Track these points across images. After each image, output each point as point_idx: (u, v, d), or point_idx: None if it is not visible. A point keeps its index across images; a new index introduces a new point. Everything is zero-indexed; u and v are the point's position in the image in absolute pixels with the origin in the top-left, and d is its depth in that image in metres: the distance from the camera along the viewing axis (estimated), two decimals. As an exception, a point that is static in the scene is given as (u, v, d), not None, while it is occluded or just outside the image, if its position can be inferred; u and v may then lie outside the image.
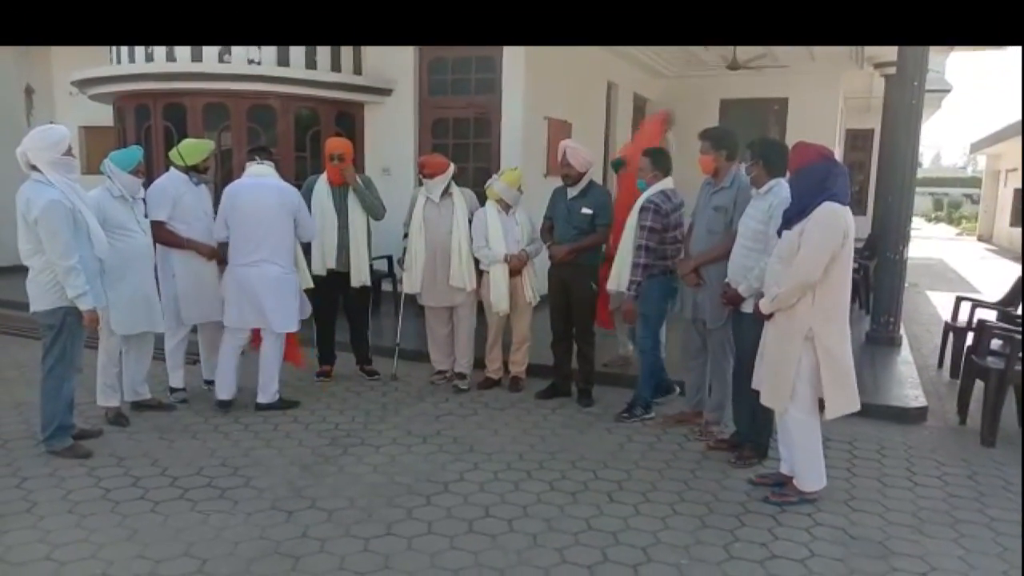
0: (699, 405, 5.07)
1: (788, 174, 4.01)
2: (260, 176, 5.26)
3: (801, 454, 3.97)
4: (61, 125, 4.45)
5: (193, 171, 5.29)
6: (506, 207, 5.62)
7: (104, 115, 9.40)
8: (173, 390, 5.44)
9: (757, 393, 4.10)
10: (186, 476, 4.19)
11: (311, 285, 5.51)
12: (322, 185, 5.79)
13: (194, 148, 5.36)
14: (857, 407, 3.91)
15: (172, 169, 5.31)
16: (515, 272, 5.62)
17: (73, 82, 9.03)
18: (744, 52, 10.26)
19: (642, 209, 4.93)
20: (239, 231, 5.13)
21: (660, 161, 5.07)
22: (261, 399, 5.26)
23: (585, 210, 5.32)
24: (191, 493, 3.98)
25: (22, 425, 4.89)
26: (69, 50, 10.65)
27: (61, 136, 4.27)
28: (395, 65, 8.67)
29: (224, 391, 5.24)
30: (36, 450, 4.46)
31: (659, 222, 4.90)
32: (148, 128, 8.46)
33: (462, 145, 8.59)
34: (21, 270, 4.39)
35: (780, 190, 4.10)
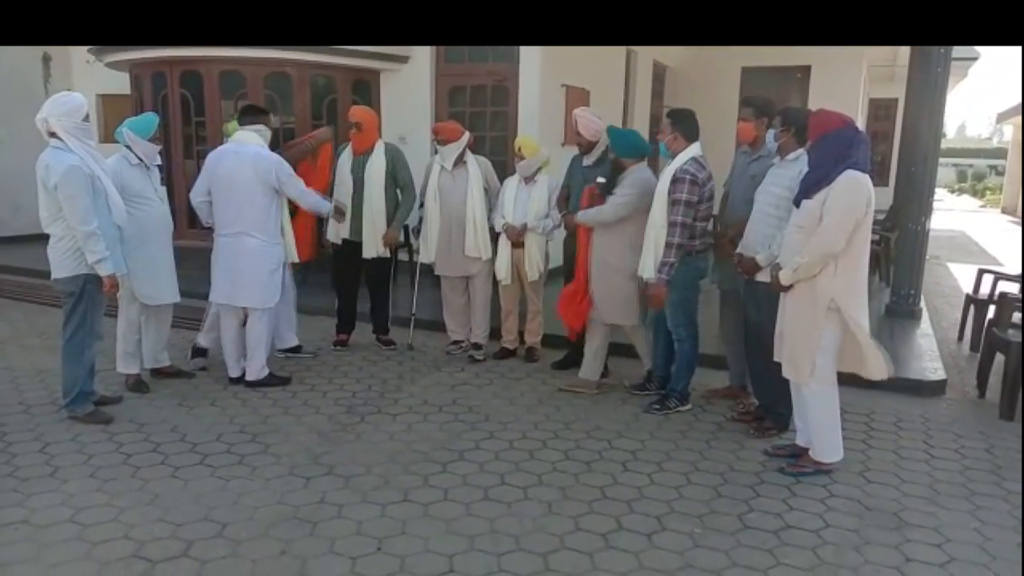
0: (741, 378, 4.97)
1: (808, 142, 3.94)
2: (241, 143, 5.04)
3: (818, 425, 3.96)
4: (78, 93, 4.46)
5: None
6: (526, 178, 5.59)
7: (121, 83, 9.40)
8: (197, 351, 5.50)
9: (772, 364, 4.08)
10: (205, 442, 4.25)
11: (295, 259, 5.35)
12: (346, 153, 5.80)
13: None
14: (893, 370, 3.87)
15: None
16: (516, 244, 5.60)
17: (90, 50, 9.04)
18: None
19: (675, 180, 4.46)
20: (219, 201, 5.02)
21: (683, 123, 4.59)
22: (248, 376, 5.16)
23: (600, 179, 5.27)
24: (211, 459, 4.04)
25: (44, 392, 4.96)
26: (86, 17, 10.65)
27: (79, 103, 4.28)
28: (412, 32, 8.58)
29: (232, 369, 5.22)
30: (58, 416, 4.53)
31: (695, 194, 4.46)
32: (164, 96, 8.47)
33: (479, 113, 8.52)
34: (42, 238, 4.42)
35: (805, 158, 4.03)
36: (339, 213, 5.67)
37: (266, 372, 5.21)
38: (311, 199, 5.27)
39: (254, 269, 5.04)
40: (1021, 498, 3.81)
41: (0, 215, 10.51)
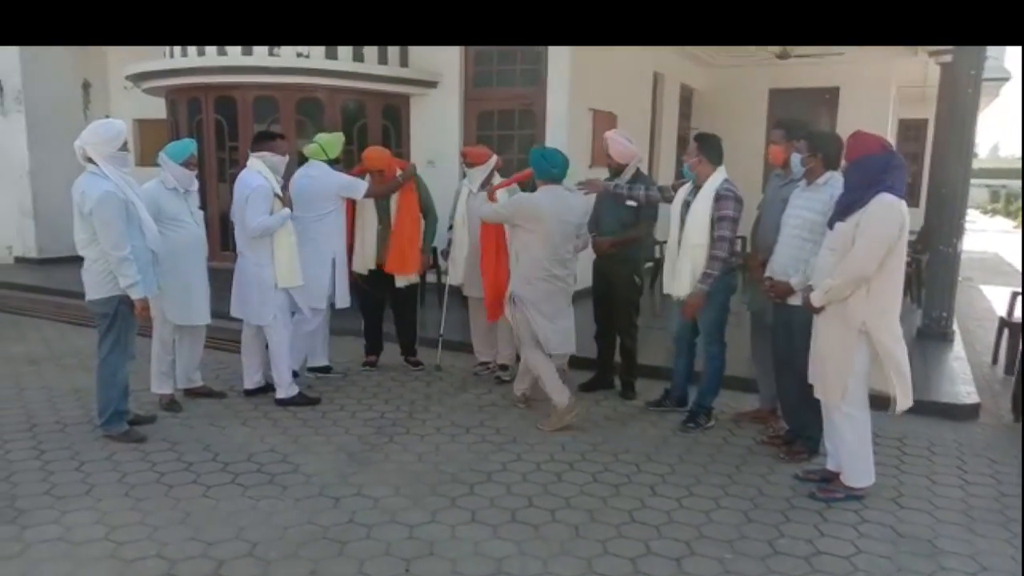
0: (772, 402, 4.94)
1: (844, 163, 3.94)
2: (248, 169, 5.14)
3: (850, 450, 3.91)
4: (119, 120, 4.58)
5: (336, 163, 5.57)
6: None
7: (157, 108, 9.64)
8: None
9: (804, 387, 4.05)
10: (237, 462, 4.30)
11: (289, 284, 5.15)
12: None
13: (331, 142, 5.58)
14: (910, 403, 3.84)
15: (314, 162, 5.51)
16: None
17: (128, 76, 9.29)
18: (793, 41, 10.08)
19: (720, 198, 4.58)
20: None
21: (709, 147, 4.70)
22: (278, 394, 5.26)
23: (630, 202, 5.29)
24: (242, 478, 4.09)
25: (80, 410, 5.06)
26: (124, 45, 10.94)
27: (118, 131, 4.39)
28: (441, 58, 8.72)
29: (247, 380, 5.36)
30: (94, 435, 4.62)
31: (739, 210, 4.60)
32: (199, 121, 8.66)
33: (507, 136, 8.61)
34: (77, 259, 4.52)
35: (837, 182, 4.02)
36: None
37: (295, 391, 5.27)
38: (265, 224, 5.00)
39: (242, 287, 5.22)
40: (1021, 507, 3.74)
41: (40, 238, 10.75)
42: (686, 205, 4.77)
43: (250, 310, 5.20)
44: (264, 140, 5.24)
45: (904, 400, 3.77)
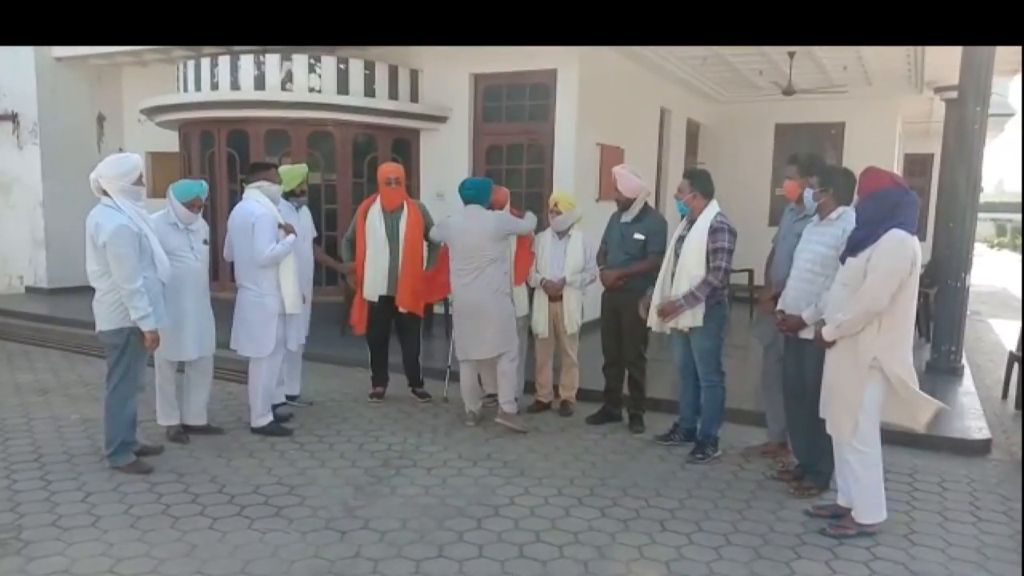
0: (782, 436, 4.92)
1: (856, 199, 3.96)
2: (243, 200, 5.32)
3: (861, 486, 3.88)
4: (135, 154, 4.63)
5: (291, 196, 5.56)
6: (560, 233, 5.68)
7: (170, 141, 9.75)
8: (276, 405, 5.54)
9: (815, 422, 4.03)
10: (244, 494, 4.28)
11: (295, 310, 5.31)
12: (376, 211, 5.89)
13: (288, 174, 5.59)
14: (939, 404, 3.80)
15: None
16: (553, 298, 5.65)
17: (142, 110, 9.40)
18: (799, 77, 10.17)
19: (716, 230, 4.77)
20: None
21: (701, 182, 4.94)
22: (253, 423, 5.30)
23: (637, 235, 5.32)
24: (248, 511, 4.07)
25: (87, 441, 5.06)
26: (138, 79, 11.12)
27: (134, 165, 4.44)
28: (451, 92, 8.82)
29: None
30: (100, 465, 4.61)
31: (733, 243, 4.80)
32: (212, 154, 8.75)
33: (515, 171, 8.67)
34: (87, 290, 4.57)
35: (849, 217, 4.04)
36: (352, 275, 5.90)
37: (268, 419, 5.30)
38: (275, 252, 5.13)
39: (240, 317, 5.26)
40: (1021, 519, 3.69)
41: (51, 268, 10.83)
42: (680, 240, 4.92)
43: (242, 340, 5.26)
44: (260, 170, 5.42)
45: (927, 409, 3.74)
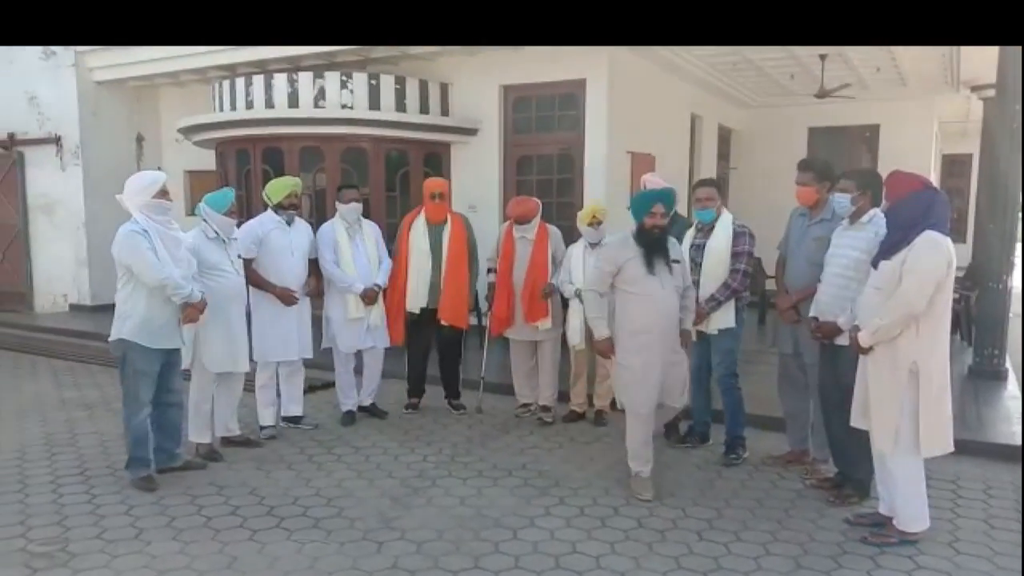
0: (803, 443, 4.91)
1: (884, 203, 3.91)
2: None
3: (903, 494, 3.81)
4: (157, 170, 4.69)
5: (280, 208, 5.50)
6: (592, 244, 5.68)
7: (207, 160, 9.95)
8: (263, 427, 5.53)
9: (851, 429, 3.98)
10: (282, 506, 4.34)
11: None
12: (420, 223, 5.93)
13: (274, 187, 5.58)
14: (951, 448, 3.76)
15: (268, 209, 5.57)
16: None
17: (179, 129, 9.61)
18: (831, 80, 10.07)
19: (738, 235, 4.92)
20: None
21: (720, 191, 5.19)
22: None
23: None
24: (287, 522, 4.12)
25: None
26: (175, 99, 11.35)
27: (152, 180, 4.53)
28: (481, 105, 8.89)
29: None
30: (144, 479, 4.69)
31: (753, 246, 4.94)
32: (248, 172, 8.91)
33: (546, 181, 8.70)
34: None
35: (880, 219, 4.01)
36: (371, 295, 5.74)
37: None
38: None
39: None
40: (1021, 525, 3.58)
41: (93, 286, 11.07)
42: (696, 247, 4.99)
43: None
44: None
45: (944, 444, 3.71)
